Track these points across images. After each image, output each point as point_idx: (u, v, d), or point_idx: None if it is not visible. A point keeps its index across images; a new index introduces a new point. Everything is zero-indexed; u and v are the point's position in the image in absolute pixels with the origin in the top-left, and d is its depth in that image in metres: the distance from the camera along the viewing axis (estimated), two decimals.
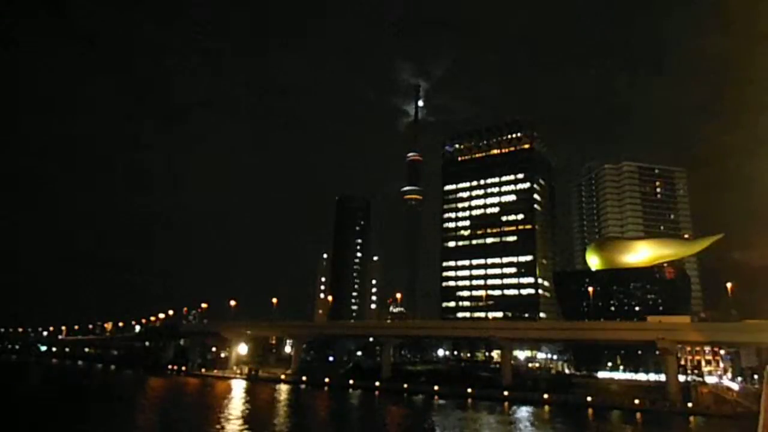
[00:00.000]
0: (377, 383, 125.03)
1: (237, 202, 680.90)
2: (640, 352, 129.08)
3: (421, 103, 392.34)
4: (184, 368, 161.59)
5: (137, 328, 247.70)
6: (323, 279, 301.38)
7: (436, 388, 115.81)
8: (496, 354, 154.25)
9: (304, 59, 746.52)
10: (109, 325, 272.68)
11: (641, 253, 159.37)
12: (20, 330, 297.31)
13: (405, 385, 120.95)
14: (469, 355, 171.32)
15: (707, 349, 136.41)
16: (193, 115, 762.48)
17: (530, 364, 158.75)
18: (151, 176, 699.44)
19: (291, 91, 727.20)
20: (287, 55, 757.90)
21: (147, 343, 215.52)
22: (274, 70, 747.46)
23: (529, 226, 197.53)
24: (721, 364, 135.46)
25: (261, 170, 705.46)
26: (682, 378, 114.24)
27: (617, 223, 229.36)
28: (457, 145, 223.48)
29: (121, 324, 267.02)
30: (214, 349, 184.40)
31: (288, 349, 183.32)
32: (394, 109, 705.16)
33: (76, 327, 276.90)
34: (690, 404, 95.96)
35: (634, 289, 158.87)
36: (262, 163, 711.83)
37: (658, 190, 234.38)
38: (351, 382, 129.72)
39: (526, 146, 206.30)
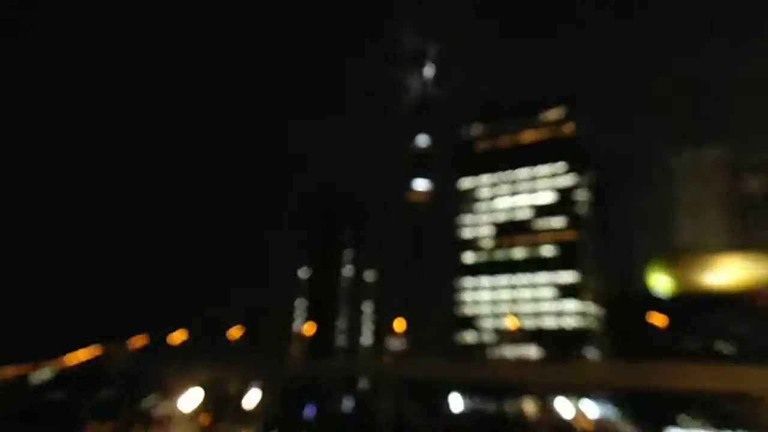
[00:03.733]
0: None
1: (197, 204, 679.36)
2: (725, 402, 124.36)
3: (429, 77, 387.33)
4: (109, 428, 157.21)
5: (47, 373, 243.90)
6: (302, 304, 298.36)
7: None
8: (530, 406, 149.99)
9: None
10: (9, 371, 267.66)
11: (730, 272, 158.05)
12: None
13: None
14: (494, 407, 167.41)
15: None
16: (188, 115, 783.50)
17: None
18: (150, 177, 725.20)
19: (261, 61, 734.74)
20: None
21: (61, 394, 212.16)
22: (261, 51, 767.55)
23: (572, 235, 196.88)
24: None
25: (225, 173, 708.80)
26: None
27: (694, 231, 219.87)
28: (475, 130, 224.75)
29: (25, 369, 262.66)
30: (152, 399, 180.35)
31: (253, 398, 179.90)
32: (396, 88, 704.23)
33: None
34: None
35: (718, 321, 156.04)
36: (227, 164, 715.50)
37: (758, 184, 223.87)
38: None
39: (568, 130, 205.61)
